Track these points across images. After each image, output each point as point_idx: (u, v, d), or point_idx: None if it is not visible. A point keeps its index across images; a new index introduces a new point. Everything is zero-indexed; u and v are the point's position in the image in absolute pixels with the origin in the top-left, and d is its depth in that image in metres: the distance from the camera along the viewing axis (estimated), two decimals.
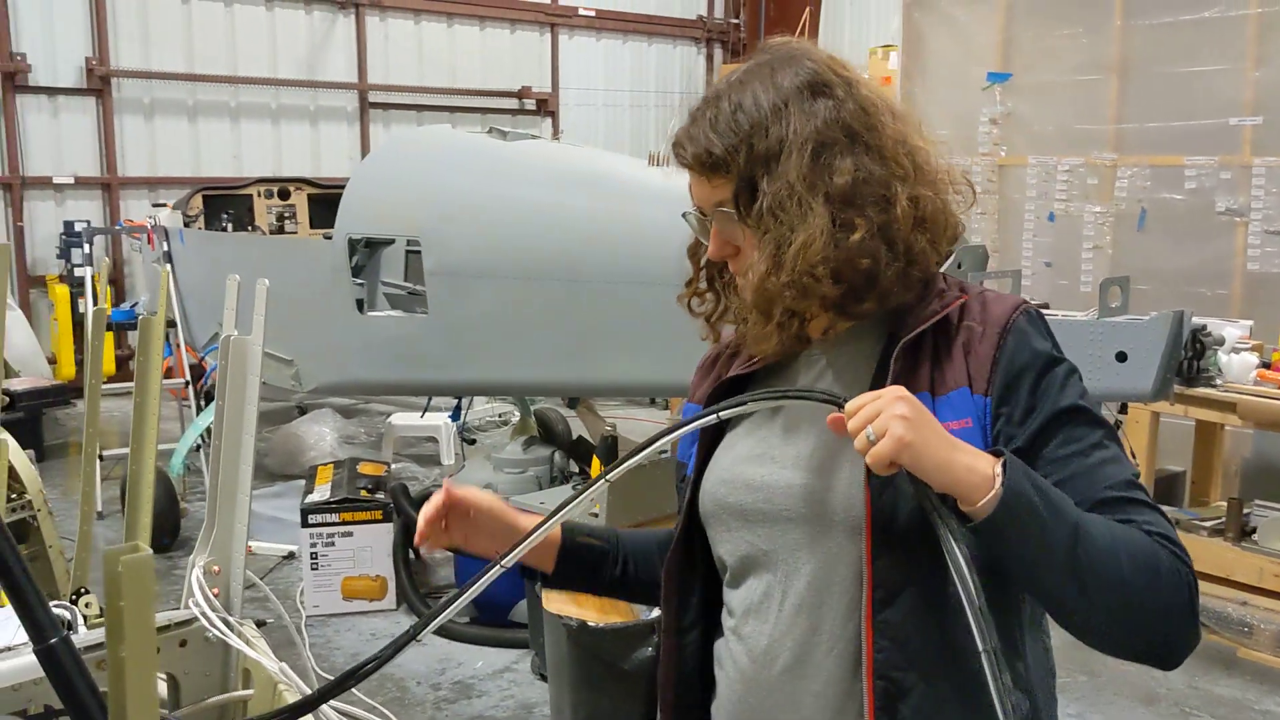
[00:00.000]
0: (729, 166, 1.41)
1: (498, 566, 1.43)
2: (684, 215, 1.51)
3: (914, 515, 1.32)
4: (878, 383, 1.39)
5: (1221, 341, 4.24)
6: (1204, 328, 3.65)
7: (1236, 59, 5.52)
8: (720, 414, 1.36)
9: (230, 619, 1.69)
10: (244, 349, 1.70)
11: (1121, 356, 3.27)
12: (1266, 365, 4.69)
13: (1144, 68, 5.83)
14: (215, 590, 1.74)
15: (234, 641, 1.63)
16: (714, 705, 1.53)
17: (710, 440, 1.54)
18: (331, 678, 4.33)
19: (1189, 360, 3.57)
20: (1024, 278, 3.99)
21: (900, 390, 1.25)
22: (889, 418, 1.22)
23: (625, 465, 1.39)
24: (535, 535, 1.44)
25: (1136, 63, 5.82)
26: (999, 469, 1.23)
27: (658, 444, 1.38)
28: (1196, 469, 5.28)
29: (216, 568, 1.74)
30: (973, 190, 1.51)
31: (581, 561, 1.65)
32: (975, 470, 1.23)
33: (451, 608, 1.41)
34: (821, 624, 1.40)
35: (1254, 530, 4.67)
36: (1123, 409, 3.98)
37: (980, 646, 1.18)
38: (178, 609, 1.83)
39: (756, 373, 1.54)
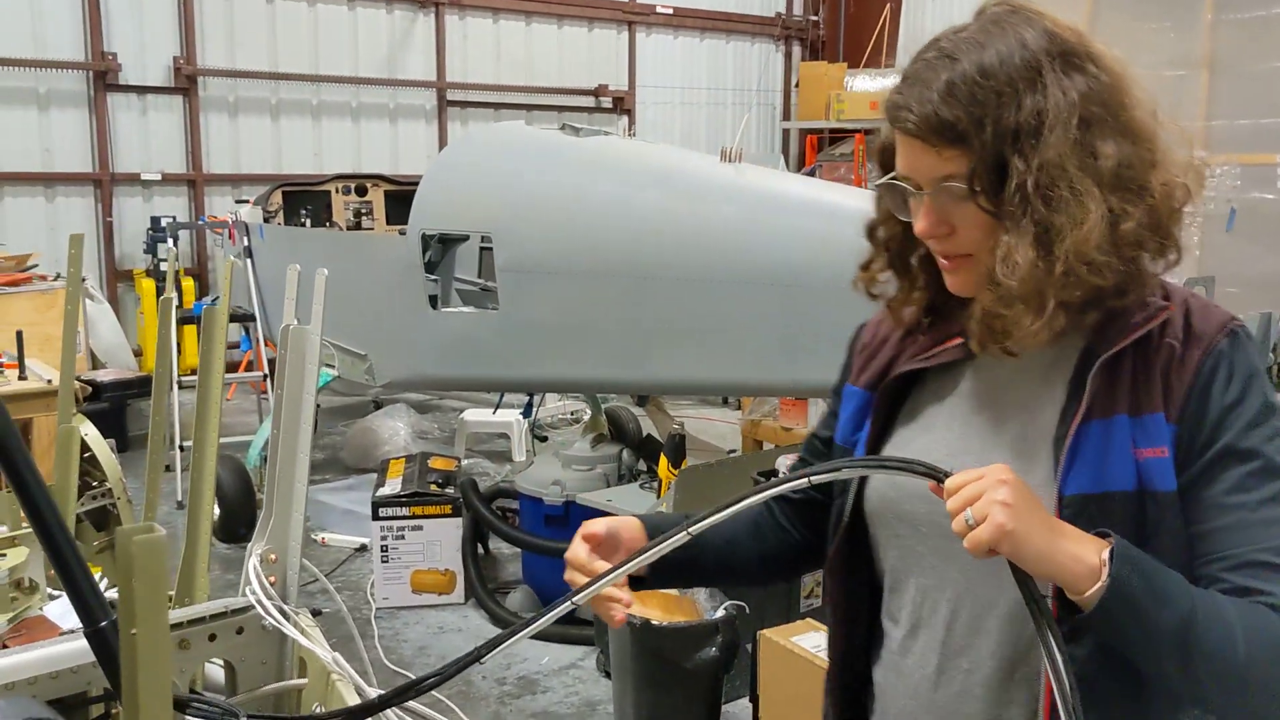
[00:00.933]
0: (969, 138, 1.24)
1: (569, 602, 1.35)
2: (878, 185, 1.37)
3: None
4: (1073, 399, 1.28)
5: None
6: None
7: None
8: (812, 479, 1.25)
9: (286, 607, 1.69)
10: (303, 338, 1.70)
11: None
12: None
13: (1235, 63, 5.64)
14: (272, 579, 1.74)
15: (288, 630, 1.63)
16: (878, 711, 1.49)
17: (880, 429, 1.46)
18: (397, 669, 4.35)
19: (1277, 365, 3.46)
20: None
21: (1004, 471, 1.16)
22: (989, 502, 1.13)
23: (714, 519, 1.29)
24: (611, 576, 1.35)
25: (1227, 58, 5.64)
26: (1105, 556, 1.15)
27: (753, 499, 1.27)
28: None
29: (274, 556, 1.74)
30: (1201, 183, 1.34)
31: (674, 562, 1.51)
32: (1081, 560, 1.15)
33: (517, 636, 1.36)
34: (1000, 653, 1.34)
35: None
36: None
37: None
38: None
39: (932, 372, 1.43)
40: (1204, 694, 1.20)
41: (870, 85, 11.59)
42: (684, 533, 1.31)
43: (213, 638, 1.71)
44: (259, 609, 1.67)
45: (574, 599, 1.35)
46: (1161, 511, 1.24)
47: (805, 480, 1.25)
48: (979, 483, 1.14)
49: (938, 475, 1.19)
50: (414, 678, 1.40)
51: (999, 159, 1.24)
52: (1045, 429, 1.31)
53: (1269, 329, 3.14)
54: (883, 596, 1.49)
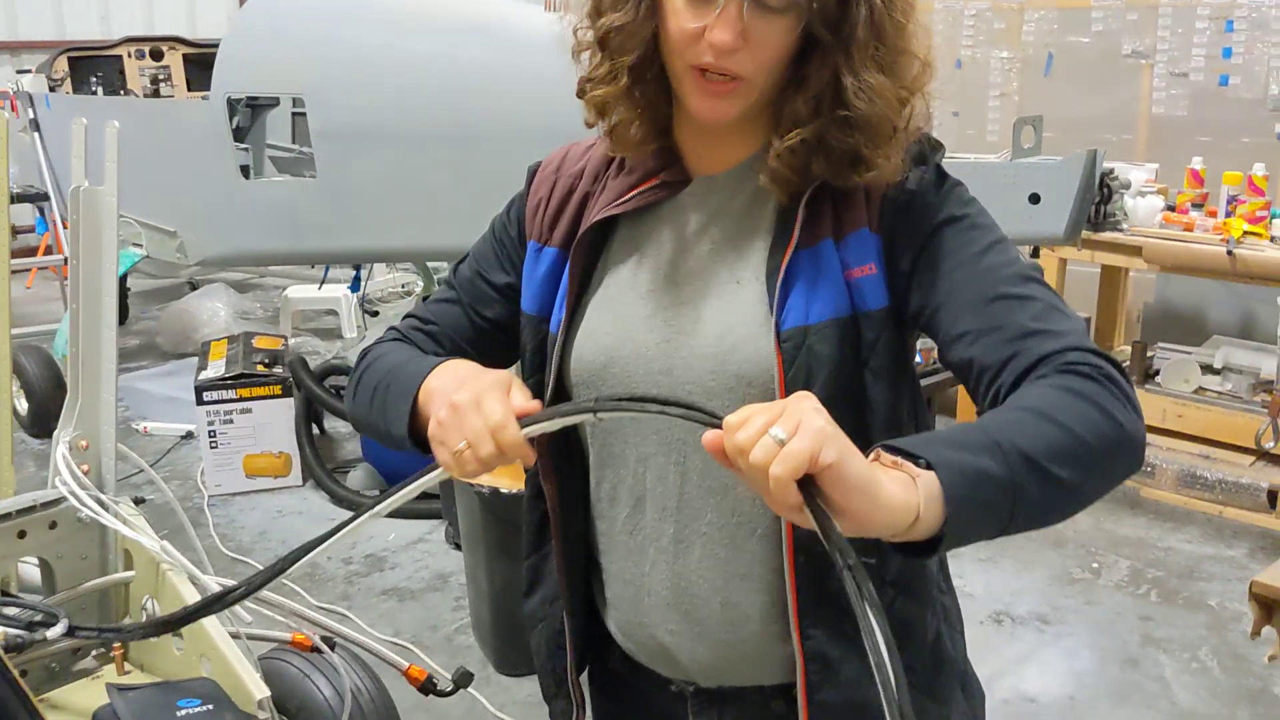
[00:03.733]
0: None
1: (368, 513, 1.20)
2: None
3: (830, 377, 1.17)
4: (780, 232, 1.21)
5: (1128, 185, 4.22)
6: (1111, 171, 3.62)
7: None
8: (598, 413, 1.06)
9: (103, 496, 1.55)
10: (97, 200, 1.51)
11: (1035, 198, 3.21)
12: (1171, 208, 4.70)
13: None
14: (85, 467, 1.59)
15: (107, 520, 1.49)
16: (611, 599, 1.37)
17: (578, 288, 1.31)
18: (236, 556, 4.16)
19: (1096, 205, 3.54)
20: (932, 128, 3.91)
21: (805, 394, 0.96)
22: (800, 412, 0.90)
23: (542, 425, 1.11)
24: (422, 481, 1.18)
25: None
26: (897, 458, 0.95)
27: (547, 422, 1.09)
28: (1101, 315, 5.34)
29: (84, 443, 1.59)
30: None
31: None
32: (895, 479, 0.93)
33: (357, 522, 1.23)
34: (739, 505, 1.25)
35: (1157, 373, 4.74)
36: (1034, 253, 3.96)
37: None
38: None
39: (624, 220, 1.30)
40: (1081, 493, 1.02)
41: None
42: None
43: (22, 534, 1.56)
44: (72, 500, 1.52)
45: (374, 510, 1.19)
46: (877, 330, 1.20)
47: (592, 415, 1.06)
48: (774, 405, 0.93)
49: (713, 420, 0.96)
50: (256, 566, 1.29)
51: None
52: (755, 266, 1.24)
53: (1094, 166, 3.19)
54: (591, 475, 1.35)
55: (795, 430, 0.89)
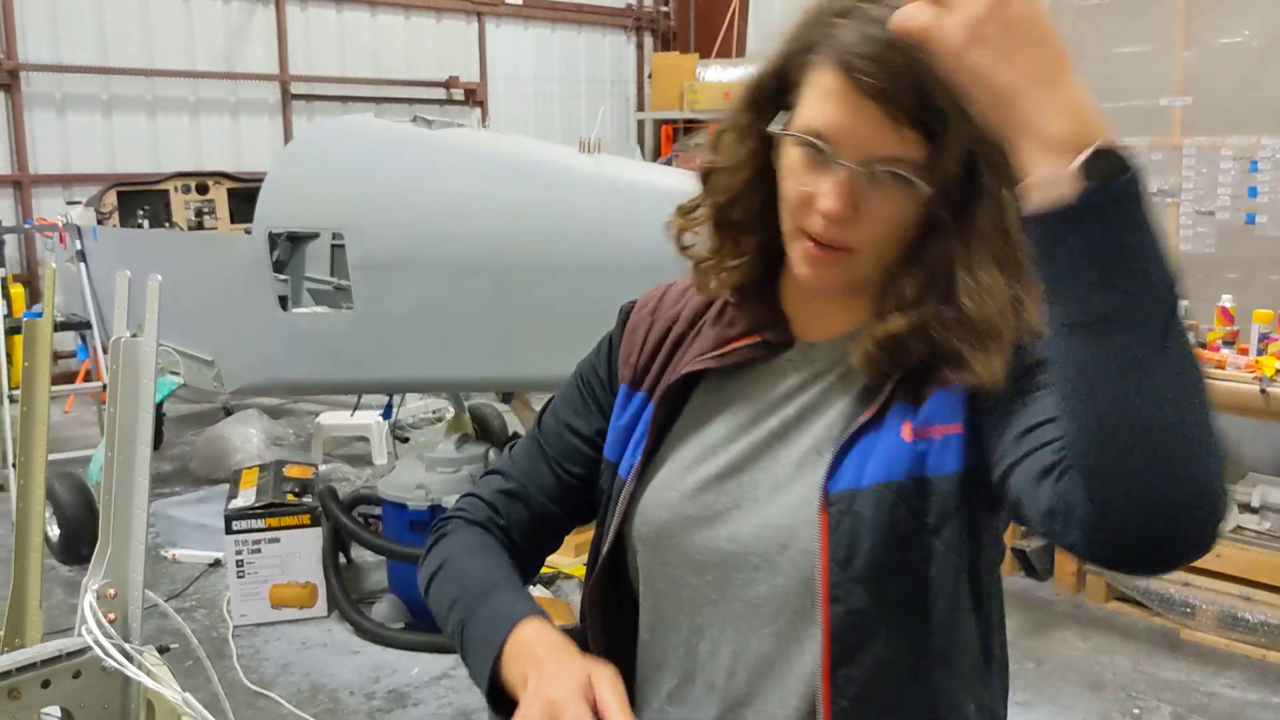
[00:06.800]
0: (943, 132, 1.05)
1: None
2: (793, 136, 1.11)
3: (876, 545, 1.10)
4: (861, 402, 1.17)
5: None
6: None
7: (1165, 39, 5.53)
8: None
9: (128, 646, 1.55)
10: (136, 351, 1.56)
11: None
12: (1202, 345, 4.68)
13: (1074, 49, 5.80)
14: (111, 616, 1.60)
15: (132, 672, 1.49)
16: None
17: (655, 439, 1.25)
18: (259, 689, 4.10)
19: None
20: None
21: None
22: None
23: None
24: None
25: (1066, 44, 5.80)
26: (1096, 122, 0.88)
27: None
28: None
29: (112, 591, 1.60)
30: None
31: None
32: (1077, 105, 0.90)
33: None
34: (802, 708, 1.16)
35: None
36: None
37: None
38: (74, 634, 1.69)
39: (714, 372, 1.25)
40: (1167, 392, 0.91)
41: (722, 76, 11.69)
42: None
43: (46, 684, 1.56)
44: (97, 650, 1.53)
45: None
46: (955, 497, 1.11)
47: None
48: None
49: None
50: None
51: (972, 167, 1.08)
52: (838, 437, 1.18)
53: None
54: (640, 632, 1.29)
55: None
